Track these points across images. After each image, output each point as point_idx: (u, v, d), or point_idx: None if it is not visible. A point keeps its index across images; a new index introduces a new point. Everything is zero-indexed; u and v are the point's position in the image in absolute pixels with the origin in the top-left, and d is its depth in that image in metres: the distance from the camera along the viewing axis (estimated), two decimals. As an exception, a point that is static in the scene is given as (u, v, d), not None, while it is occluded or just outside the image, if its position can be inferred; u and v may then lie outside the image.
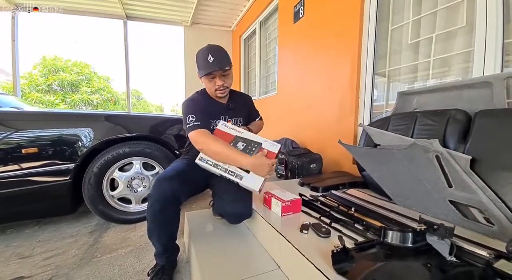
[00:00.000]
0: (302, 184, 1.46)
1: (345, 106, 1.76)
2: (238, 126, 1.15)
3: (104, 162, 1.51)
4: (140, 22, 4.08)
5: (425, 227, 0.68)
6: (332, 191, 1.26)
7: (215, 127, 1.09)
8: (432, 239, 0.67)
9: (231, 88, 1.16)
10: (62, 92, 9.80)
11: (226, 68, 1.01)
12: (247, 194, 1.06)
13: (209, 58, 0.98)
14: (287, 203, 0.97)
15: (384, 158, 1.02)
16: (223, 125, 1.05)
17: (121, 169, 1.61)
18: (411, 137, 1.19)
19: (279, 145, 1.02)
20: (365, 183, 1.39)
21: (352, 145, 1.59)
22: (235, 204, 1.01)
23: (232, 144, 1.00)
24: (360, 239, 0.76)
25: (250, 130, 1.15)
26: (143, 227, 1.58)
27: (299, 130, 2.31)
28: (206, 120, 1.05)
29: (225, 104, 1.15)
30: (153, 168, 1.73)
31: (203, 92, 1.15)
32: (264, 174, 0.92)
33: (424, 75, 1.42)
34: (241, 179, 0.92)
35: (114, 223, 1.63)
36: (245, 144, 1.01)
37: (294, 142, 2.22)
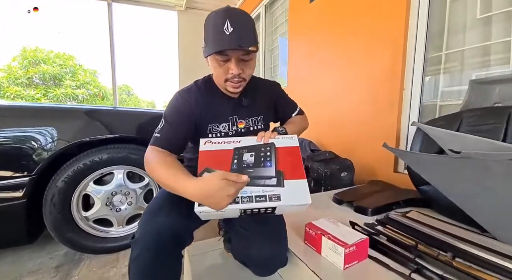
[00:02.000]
0: (339, 202, 1.11)
1: (382, 99, 1.42)
2: (254, 127, 0.79)
3: (73, 173, 1.12)
4: (127, 5, 3.61)
5: None
6: (390, 215, 0.92)
7: (217, 134, 0.75)
8: None
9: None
10: (44, 86, 9.09)
11: (250, 48, 0.63)
12: (279, 225, 0.71)
13: (226, 27, 0.60)
14: (351, 248, 0.62)
15: (471, 172, 0.69)
16: (207, 144, 0.68)
17: (97, 181, 1.22)
18: (503, 141, 0.87)
19: (295, 135, 0.71)
20: (424, 200, 1.05)
21: (404, 150, 1.25)
22: (263, 246, 0.64)
23: (236, 161, 0.65)
24: None
25: (282, 131, 0.78)
26: (128, 258, 1.21)
27: (316, 129, 1.96)
28: (180, 131, 0.70)
29: (236, 99, 0.78)
30: (141, 179, 1.35)
31: (206, 80, 0.78)
32: (221, 205, 0.52)
33: (497, 59, 1.09)
34: (279, 199, 0.57)
35: (89, 254, 1.25)
36: (254, 153, 0.67)
37: (312, 143, 1.87)
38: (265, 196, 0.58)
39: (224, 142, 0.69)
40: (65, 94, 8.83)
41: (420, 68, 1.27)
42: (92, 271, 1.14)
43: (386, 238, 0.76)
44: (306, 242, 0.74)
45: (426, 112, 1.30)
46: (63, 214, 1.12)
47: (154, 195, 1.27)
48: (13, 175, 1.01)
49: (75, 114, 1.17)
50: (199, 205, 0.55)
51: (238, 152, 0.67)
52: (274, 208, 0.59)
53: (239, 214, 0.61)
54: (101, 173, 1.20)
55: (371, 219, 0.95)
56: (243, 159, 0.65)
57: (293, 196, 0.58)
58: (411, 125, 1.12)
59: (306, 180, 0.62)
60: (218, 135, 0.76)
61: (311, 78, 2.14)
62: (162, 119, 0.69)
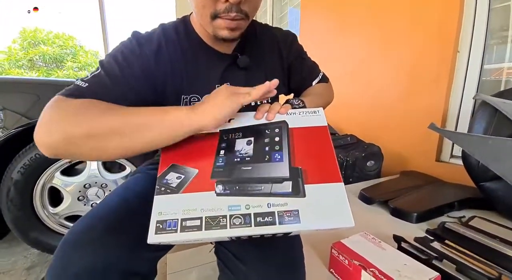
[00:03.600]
0: (368, 200, 0.85)
1: (425, 68, 1.10)
2: (257, 102, 0.51)
3: (30, 162, 0.90)
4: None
5: None
6: (447, 224, 0.65)
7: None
8: None
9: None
10: (46, 68, 8.88)
11: None
12: (294, 248, 0.45)
13: None
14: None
15: None
16: None
17: (66, 171, 1.00)
18: None
19: (320, 109, 0.45)
20: (485, 200, 0.78)
21: (460, 132, 0.96)
22: None
23: (222, 152, 0.39)
24: None
25: (299, 104, 0.50)
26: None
27: (333, 108, 1.66)
28: (124, 90, 0.41)
29: (227, 56, 0.50)
30: (122, 167, 1.12)
31: (178, 24, 0.49)
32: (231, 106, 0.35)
33: None
34: (297, 219, 0.32)
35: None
36: (252, 140, 0.40)
37: (329, 125, 1.58)
38: (272, 214, 0.33)
39: None
40: (67, 76, 8.60)
41: (484, 21, 0.92)
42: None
43: (454, 266, 0.50)
44: (332, 270, 0.49)
45: (487, 85, 0.98)
46: (25, 211, 0.91)
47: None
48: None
49: (24, 88, 0.91)
50: (158, 230, 0.31)
51: (227, 137, 0.41)
52: (287, 233, 0.34)
53: (227, 239, 0.36)
54: (69, 162, 0.98)
55: (417, 228, 0.69)
56: (235, 149, 0.40)
57: (322, 214, 0.33)
58: (474, 98, 0.82)
59: (342, 184, 0.36)
60: None
61: (327, 45, 1.79)
62: (98, 66, 0.41)
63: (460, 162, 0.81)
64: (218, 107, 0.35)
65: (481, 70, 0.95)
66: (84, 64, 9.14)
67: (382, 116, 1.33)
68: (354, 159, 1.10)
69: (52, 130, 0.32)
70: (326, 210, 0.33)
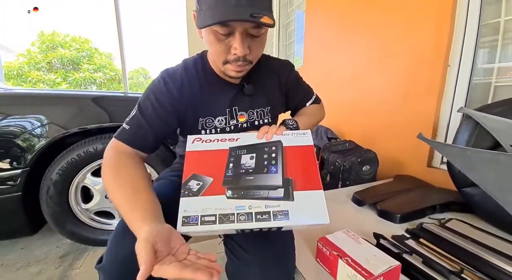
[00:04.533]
0: (359, 202, 0.95)
1: (419, 79, 1.18)
2: (260, 121, 0.64)
3: (67, 165, 1.05)
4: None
5: None
6: (424, 224, 0.75)
7: (212, 130, 0.61)
8: None
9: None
10: (63, 70, 9.32)
11: (262, 15, 0.43)
12: (287, 242, 0.57)
13: None
14: (379, 279, 0.47)
15: None
16: (196, 142, 0.53)
17: (96, 173, 1.15)
18: None
19: (308, 131, 0.55)
20: (465, 204, 0.87)
21: (446, 143, 1.04)
22: (266, 275, 0.51)
23: (231, 165, 0.50)
24: None
25: (293, 125, 0.61)
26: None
27: (335, 114, 1.75)
28: (156, 127, 0.54)
29: (236, 85, 0.62)
30: (141, 170, 1.25)
31: (197, 60, 0.61)
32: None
33: None
34: (287, 217, 0.44)
35: (92, 246, 1.22)
36: (255, 155, 0.52)
37: (330, 130, 1.68)
38: (268, 213, 0.44)
39: (218, 140, 0.54)
40: (83, 78, 9.02)
41: (473, 38, 1.00)
42: (93, 263, 1.12)
43: (421, 259, 0.60)
44: (318, 259, 0.61)
45: (476, 96, 1.05)
46: (61, 207, 1.07)
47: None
48: (5, 169, 0.95)
49: (66, 101, 1.07)
50: (184, 223, 0.43)
51: (235, 153, 0.53)
52: (280, 227, 0.46)
53: (235, 232, 0.48)
54: (99, 164, 1.12)
55: (399, 228, 0.79)
56: (241, 162, 0.51)
57: (306, 214, 0.44)
58: (458, 111, 0.89)
59: (322, 191, 0.47)
60: (213, 131, 0.62)
61: (331, 55, 1.88)
62: (136, 106, 0.54)
63: (448, 168, 0.90)
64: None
65: (469, 84, 1.02)
66: (99, 66, 9.54)
67: (380, 122, 1.42)
68: (350, 164, 1.20)
69: (101, 170, 0.49)
70: (309, 210, 0.45)
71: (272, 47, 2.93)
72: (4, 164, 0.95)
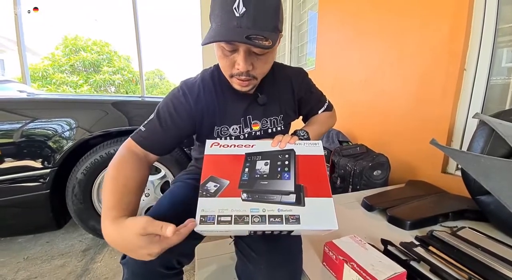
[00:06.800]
0: (369, 208, 0.95)
1: (433, 83, 1.15)
2: (273, 129, 0.67)
3: (91, 166, 1.13)
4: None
5: None
6: (435, 232, 0.74)
7: (226, 138, 0.64)
8: None
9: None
10: (85, 72, 9.81)
11: (264, 41, 0.45)
12: (295, 244, 0.60)
13: (236, 5, 0.44)
14: (384, 286, 0.49)
15: None
16: (214, 147, 0.56)
17: (115, 173, 1.22)
18: None
19: (319, 142, 0.58)
20: (480, 213, 0.85)
21: (459, 149, 1.02)
22: (273, 275, 0.54)
23: (247, 170, 0.53)
24: None
25: (304, 135, 0.64)
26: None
27: (347, 117, 1.74)
28: (171, 134, 0.59)
29: (250, 95, 0.65)
30: (157, 170, 1.33)
31: (213, 72, 0.65)
32: (143, 259, 0.41)
33: None
34: (298, 221, 0.46)
35: (112, 241, 1.30)
36: (269, 162, 0.55)
37: (341, 133, 1.67)
38: (281, 216, 0.46)
39: (235, 146, 0.57)
40: (103, 80, 9.47)
41: (490, 40, 0.97)
42: (114, 258, 1.19)
43: (429, 267, 0.60)
44: (324, 263, 0.62)
45: (494, 96, 1.02)
46: (84, 204, 1.15)
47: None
48: (34, 169, 1.04)
49: (96, 106, 1.15)
50: (201, 222, 0.46)
51: (251, 158, 0.56)
52: (290, 231, 0.48)
53: (247, 234, 0.51)
54: (118, 165, 1.20)
55: (408, 235, 0.79)
56: (256, 167, 0.54)
57: (315, 219, 0.46)
58: (473, 117, 0.88)
59: (332, 198, 0.49)
60: (228, 138, 0.65)
61: (343, 57, 1.87)
62: (155, 111, 0.59)
63: (464, 174, 0.88)
64: (127, 250, 0.41)
65: (486, 88, 0.99)
66: (118, 68, 9.96)
67: (393, 125, 1.40)
68: (361, 169, 1.19)
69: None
70: (318, 216, 0.47)
71: (285, 49, 2.94)
72: (36, 163, 1.04)
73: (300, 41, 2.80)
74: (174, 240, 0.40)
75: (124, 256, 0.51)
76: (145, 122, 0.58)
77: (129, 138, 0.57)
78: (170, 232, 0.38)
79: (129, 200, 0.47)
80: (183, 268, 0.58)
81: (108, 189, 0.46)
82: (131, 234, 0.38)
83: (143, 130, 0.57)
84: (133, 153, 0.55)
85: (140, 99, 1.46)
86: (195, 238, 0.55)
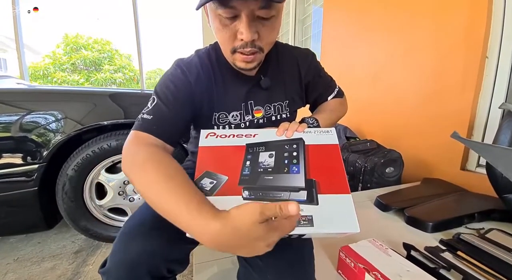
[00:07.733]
0: (384, 207, 0.87)
1: (451, 73, 1.07)
2: (277, 116, 0.59)
3: (82, 161, 1.05)
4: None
5: None
6: (462, 235, 0.66)
7: (226, 126, 0.55)
8: None
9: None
10: (86, 71, 9.78)
11: None
12: (305, 248, 0.51)
13: None
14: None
15: None
16: (210, 137, 0.48)
17: (110, 169, 1.15)
18: None
19: (332, 129, 0.50)
20: (508, 212, 0.76)
21: (482, 142, 0.93)
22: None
23: (248, 163, 0.45)
24: None
25: (313, 123, 0.55)
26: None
27: (354, 112, 1.64)
28: (179, 115, 0.49)
29: (252, 78, 0.56)
30: (154, 167, 1.24)
31: (211, 50, 0.56)
32: (254, 254, 0.33)
33: None
34: (310, 223, 0.38)
35: (105, 242, 1.23)
36: (274, 153, 0.46)
37: (348, 129, 1.59)
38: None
39: (234, 136, 0.49)
40: (104, 78, 9.42)
41: (516, 26, 0.88)
42: (106, 261, 1.12)
43: (461, 276, 0.52)
44: (339, 271, 0.54)
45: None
46: (76, 202, 1.07)
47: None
48: (22, 164, 0.97)
49: (83, 98, 1.07)
50: None
51: (252, 150, 0.47)
52: (302, 235, 0.40)
53: None
54: (112, 161, 1.12)
55: (431, 237, 0.70)
56: (259, 160, 0.46)
57: (332, 220, 0.38)
58: (499, 107, 0.79)
59: (350, 195, 0.40)
60: (227, 127, 0.57)
61: (350, 50, 1.78)
62: (153, 96, 0.50)
63: (485, 171, 0.80)
64: (240, 253, 0.33)
65: (510, 77, 0.90)
66: (119, 67, 9.92)
67: (405, 120, 1.31)
68: (373, 165, 1.11)
69: (124, 169, 0.42)
70: (336, 216, 0.38)
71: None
72: (21, 159, 0.96)
73: (304, 35, 2.71)
74: (288, 226, 0.33)
75: (103, 264, 0.43)
76: (147, 109, 0.49)
77: (135, 131, 0.46)
78: (295, 209, 0.30)
79: (197, 190, 0.38)
80: (177, 276, 0.50)
81: (163, 195, 0.36)
82: (248, 225, 0.30)
83: (149, 118, 0.47)
84: (153, 146, 0.45)
85: (139, 91, 1.38)
86: (189, 242, 0.47)
